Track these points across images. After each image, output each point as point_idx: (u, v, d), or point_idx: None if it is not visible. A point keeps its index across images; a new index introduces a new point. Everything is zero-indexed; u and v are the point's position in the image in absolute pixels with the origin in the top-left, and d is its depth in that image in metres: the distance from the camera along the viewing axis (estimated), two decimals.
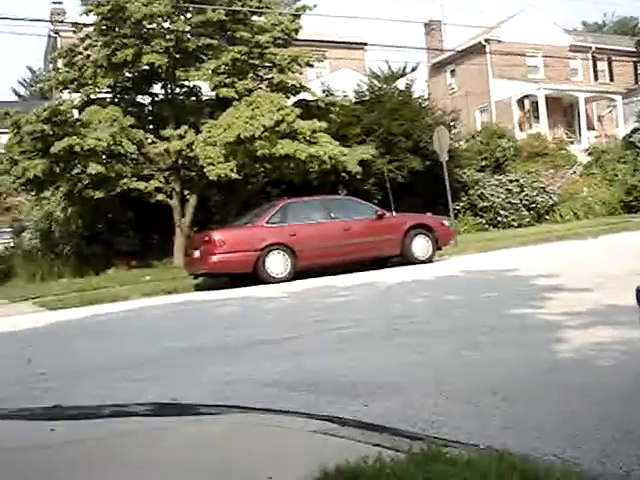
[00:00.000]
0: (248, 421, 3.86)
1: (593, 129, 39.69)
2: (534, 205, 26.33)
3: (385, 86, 25.72)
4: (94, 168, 16.84)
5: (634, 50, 42.28)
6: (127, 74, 19.44)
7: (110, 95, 19.99)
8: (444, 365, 5.10)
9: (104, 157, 17.52)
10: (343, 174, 20.08)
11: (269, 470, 2.75)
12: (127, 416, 4.50)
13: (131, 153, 18.00)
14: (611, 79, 43.26)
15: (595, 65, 43.01)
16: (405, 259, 15.20)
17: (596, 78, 42.75)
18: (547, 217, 26.91)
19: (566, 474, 2.38)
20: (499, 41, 37.93)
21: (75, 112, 19.12)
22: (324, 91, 23.15)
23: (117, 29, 18.42)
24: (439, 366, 5.07)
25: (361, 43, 36.55)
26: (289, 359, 5.92)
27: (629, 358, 4.55)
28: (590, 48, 42.32)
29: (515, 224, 25.43)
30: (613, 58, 43.41)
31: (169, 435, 3.74)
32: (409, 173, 22.63)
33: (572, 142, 35.91)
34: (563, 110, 39.36)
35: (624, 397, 3.85)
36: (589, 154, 33.41)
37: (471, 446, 3.04)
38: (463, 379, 4.61)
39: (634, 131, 33.12)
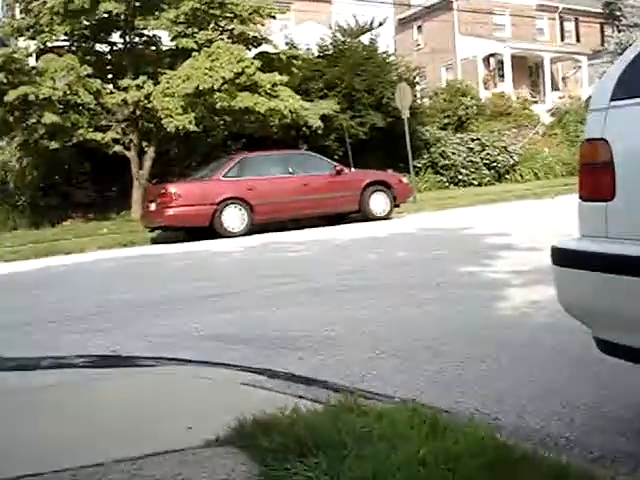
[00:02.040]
0: (180, 373, 3.89)
1: (557, 90, 39.86)
2: (495, 164, 26.48)
3: (349, 40, 25.50)
4: (49, 118, 16.55)
5: (601, 11, 42.36)
6: (85, 22, 18.86)
7: (67, 43, 19.53)
8: (385, 321, 5.15)
9: (60, 107, 17.19)
10: (304, 129, 19.99)
11: (191, 420, 2.78)
12: (66, 367, 4.51)
13: (88, 103, 17.66)
14: (577, 40, 43.35)
15: (562, 25, 43.05)
16: (363, 215, 15.26)
17: (562, 38, 42.82)
18: (507, 177, 27.09)
19: (471, 425, 2.43)
20: None
21: (31, 60, 18.71)
22: (287, 44, 22.88)
23: None
24: (380, 322, 5.12)
25: None
26: (233, 313, 5.95)
27: (564, 316, 4.63)
28: (557, 8, 42.28)
29: (476, 183, 25.58)
30: (580, 19, 43.47)
31: (103, 386, 3.76)
32: (371, 129, 22.59)
33: (536, 102, 36.07)
34: (528, 70, 39.48)
35: (552, 355, 3.93)
36: (552, 114, 33.61)
37: (391, 399, 3.09)
38: (401, 334, 4.66)
39: None
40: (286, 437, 2.31)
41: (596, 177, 2.49)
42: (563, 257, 2.60)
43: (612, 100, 2.47)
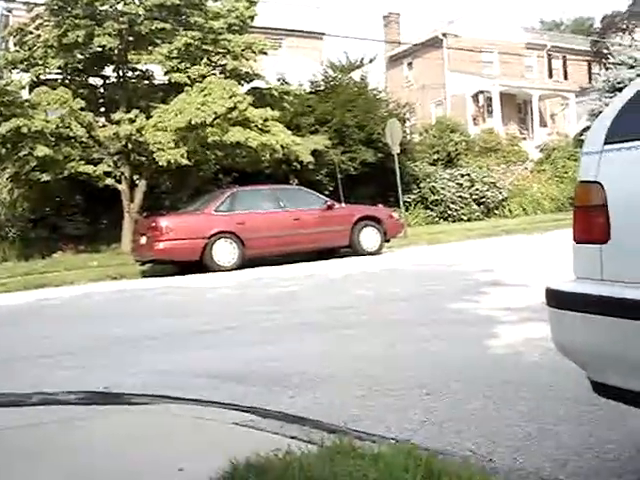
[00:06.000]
0: (172, 412, 3.85)
1: (546, 126, 40.25)
2: (484, 200, 26.61)
3: (340, 77, 25.70)
4: (42, 150, 16.53)
5: (588, 49, 42.95)
6: (78, 55, 18.93)
7: (60, 76, 19.58)
8: (379, 358, 5.12)
9: (52, 139, 17.19)
10: (295, 164, 20.04)
11: (183, 462, 2.75)
12: (56, 404, 4.45)
13: (80, 136, 17.69)
14: (565, 77, 43.88)
15: (550, 63, 43.58)
16: (354, 250, 15.28)
17: (550, 76, 43.32)
18: (496, 212, 27.21)
19: (465, 468, 2.41)
20: (456, 36, 38.19)
21: (24, 92, 18.76)
22: (279, 79, 23.03)
23: (69, 9, 18.05)
24: (374, 359, 5.10)
25: (319, 33, 36.34)
26: (224, 350, 5.92)
27: (558, 355, 4.63)
28: (546, 46, 42.86)
29: (465, 218, 25.68)
30: (568, 57, 44.04)
31: (93, 424, 3.71)
32: (361, 165, 22.67)
33: (524, 138, 36.38)
34: (517, 106, 39.87)
35: (547, 394, 3.91)
36: (541, 151, 33.86)
37: (385, 440, 3.07)
38: (394, 372, 4.64)
39: (586, 129, 33.61)
40: None
41: (590, 220, 2.51)
42: (557, 299, 2.60)
43: (606, 143, 2.49)
